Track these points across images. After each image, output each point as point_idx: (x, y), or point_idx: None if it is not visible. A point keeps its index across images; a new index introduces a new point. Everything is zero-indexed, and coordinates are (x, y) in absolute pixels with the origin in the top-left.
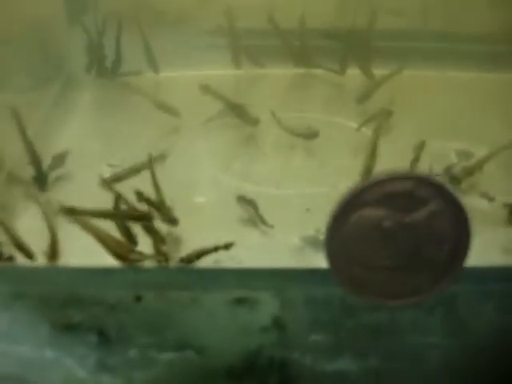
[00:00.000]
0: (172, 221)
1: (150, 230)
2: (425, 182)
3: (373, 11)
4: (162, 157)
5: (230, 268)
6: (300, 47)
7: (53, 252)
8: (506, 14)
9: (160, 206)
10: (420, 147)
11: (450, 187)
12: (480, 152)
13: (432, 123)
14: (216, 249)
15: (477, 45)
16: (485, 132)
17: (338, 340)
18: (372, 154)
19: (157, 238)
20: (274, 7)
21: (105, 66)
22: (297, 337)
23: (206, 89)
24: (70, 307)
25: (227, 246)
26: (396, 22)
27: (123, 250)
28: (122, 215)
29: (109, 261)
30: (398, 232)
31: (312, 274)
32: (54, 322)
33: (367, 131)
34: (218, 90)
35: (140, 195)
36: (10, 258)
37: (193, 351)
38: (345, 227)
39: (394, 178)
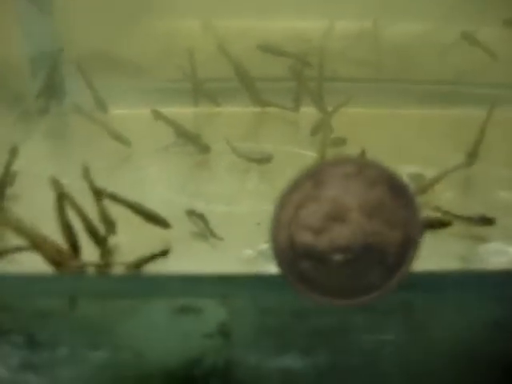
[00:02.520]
0: (164, 223)
1: (100, 241)
2: (368, 166)
3: (321, 57)
4: None
5: (174, 275)
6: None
7: None
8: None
9: (137, 208)
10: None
11: (395, 172)
12: (431, 174)
13: (383, 152)
14: (153, 257)
15: (425, 86)
16: (435, 157)
17: (285, 341)
18: None
19: (105, 249)
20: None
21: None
22: (242, 342)
23: (157, 114)
24: None
25: (164, 253)
26: (352, 69)
27: (62, 256)
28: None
29: (43, 267)
30: (346, 219)
31: (259, 280)
32: None
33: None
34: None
35: (98, 193)
36: None
37: (129, 352)
38: (291, 217)
39: (334, 163)
